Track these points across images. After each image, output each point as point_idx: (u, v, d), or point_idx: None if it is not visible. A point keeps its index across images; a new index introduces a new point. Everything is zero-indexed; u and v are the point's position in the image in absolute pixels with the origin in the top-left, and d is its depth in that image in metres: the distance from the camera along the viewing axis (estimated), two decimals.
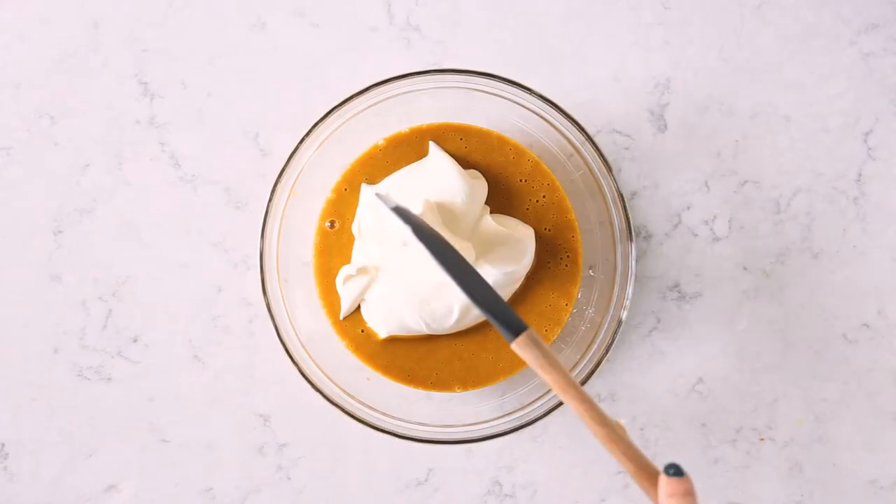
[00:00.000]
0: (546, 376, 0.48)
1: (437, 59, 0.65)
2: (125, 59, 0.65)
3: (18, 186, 0.64)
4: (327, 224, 0.60)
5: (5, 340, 0.63)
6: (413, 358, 0.60)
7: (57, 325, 0.64)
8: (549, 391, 0.58)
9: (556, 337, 0.60)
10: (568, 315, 0.60)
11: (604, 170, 0.58)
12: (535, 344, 0.48)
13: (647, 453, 0.64)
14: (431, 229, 0.52)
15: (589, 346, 0.59)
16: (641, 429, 0.64)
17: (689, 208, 0.65)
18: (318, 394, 0.56)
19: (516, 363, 0.60)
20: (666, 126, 0.65)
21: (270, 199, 0.57)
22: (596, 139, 0.63)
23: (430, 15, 0.65)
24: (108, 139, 0.65)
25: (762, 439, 0.64)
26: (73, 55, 0.65)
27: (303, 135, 0.57)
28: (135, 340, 0.64)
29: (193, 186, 0.65)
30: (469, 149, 0.60)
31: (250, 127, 0.65)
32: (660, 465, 0.65)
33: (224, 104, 0.65)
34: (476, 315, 0.58)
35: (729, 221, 0.65)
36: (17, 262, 0.64)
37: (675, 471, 0.45)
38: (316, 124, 0.57)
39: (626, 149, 0.65)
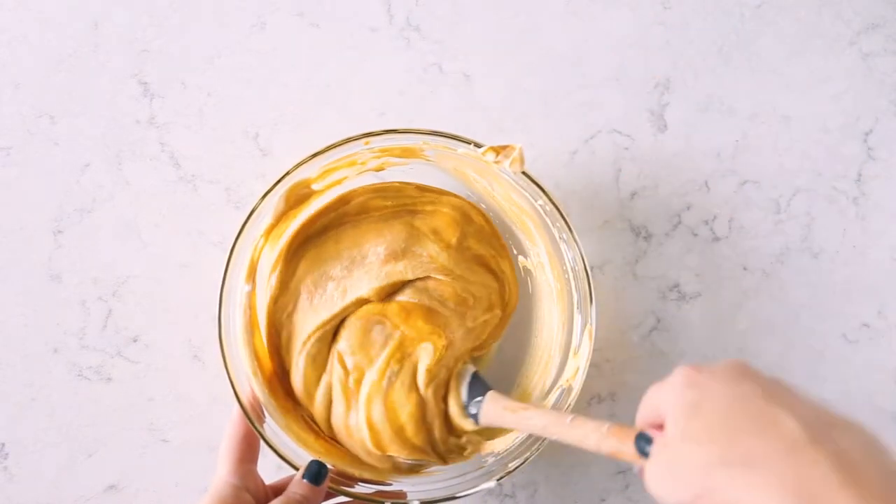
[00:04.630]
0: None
1: (437, 59, 0.65)
2: (125, 59, 0.65)
3: (18, 186, 0.64)
4: None
5: (5, 340, 0.63)
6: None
7: (57, 325, 0.64)
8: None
9: None
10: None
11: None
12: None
13: None
14: None
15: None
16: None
17: (689, 208, 0.65)
18: None
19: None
20: (666, 126, 0.65)
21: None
22: (596, 139, 0.63)
23: (430, 15, 0.65)
24: (108, 139, 0.65)
25: None
26: (73, 55, 0.65)
27: (304, 156, 0.55)
28: (135, 340, 0.64)
29: (193, 186, 0.65)
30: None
31: (250, 127, 0.65)
32: None
33: (224, 104, 0.65)
34: None
35: (729, 221, 0.65)
36: (17, 262, 0.64)
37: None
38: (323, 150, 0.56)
39: (626, 149, 0.65)
